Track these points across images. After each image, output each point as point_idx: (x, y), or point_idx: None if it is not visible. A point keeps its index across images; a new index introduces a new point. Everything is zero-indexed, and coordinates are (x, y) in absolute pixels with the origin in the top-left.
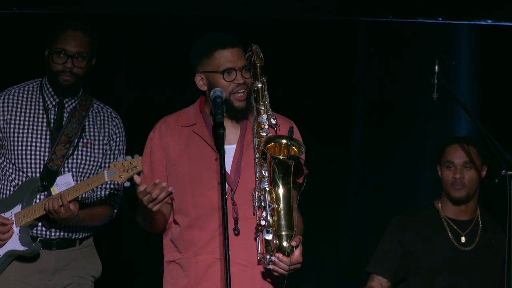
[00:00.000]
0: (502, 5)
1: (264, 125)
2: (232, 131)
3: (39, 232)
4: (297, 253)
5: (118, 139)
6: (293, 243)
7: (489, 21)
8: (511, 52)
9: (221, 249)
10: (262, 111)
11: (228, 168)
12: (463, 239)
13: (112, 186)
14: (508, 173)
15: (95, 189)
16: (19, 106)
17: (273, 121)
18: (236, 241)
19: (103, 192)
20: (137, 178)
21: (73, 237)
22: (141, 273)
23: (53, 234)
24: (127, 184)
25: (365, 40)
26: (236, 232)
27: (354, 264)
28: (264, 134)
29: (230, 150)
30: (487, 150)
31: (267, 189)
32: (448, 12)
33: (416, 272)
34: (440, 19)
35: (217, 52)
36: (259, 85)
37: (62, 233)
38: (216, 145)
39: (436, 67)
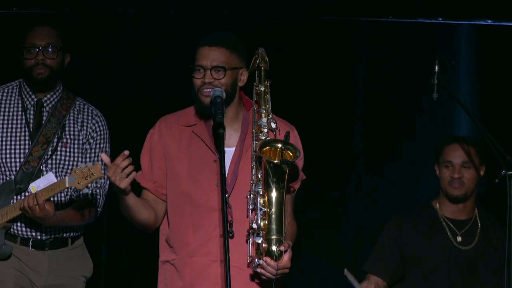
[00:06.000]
0: (502, 5)
1: (264, 129)
2: (232, 134)
3: (29, 233)
4: (286, 258)
5: (98, 137)
6: (282, 248)
7: (489, 21)
8: (511, 52)
9: (216, 251)
10: (263, 114)
11: (225, 170)
12: (459, 238)
13: (94, 185)
14: (508, 173)
15: (75, 189)
16: None
17: (273, 125)
18: (231, 244)
19: (84, 192)
20: (104, 157)
21: (64, 235)
22: (141, 273)
23: (44, 235)
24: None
25: (365, 40)
26: (231, 235)
27: (354, 264)
28: (263, 138)
29: (229, 152)
30: (485, 150)
31: (260, 192)
32: (448, 12)
33: (414, 271)
34: (440, 19)
35: (199, 49)
36: (262, 89)
37: (53, 234)
38: (216, 146)
39: (436, 67)
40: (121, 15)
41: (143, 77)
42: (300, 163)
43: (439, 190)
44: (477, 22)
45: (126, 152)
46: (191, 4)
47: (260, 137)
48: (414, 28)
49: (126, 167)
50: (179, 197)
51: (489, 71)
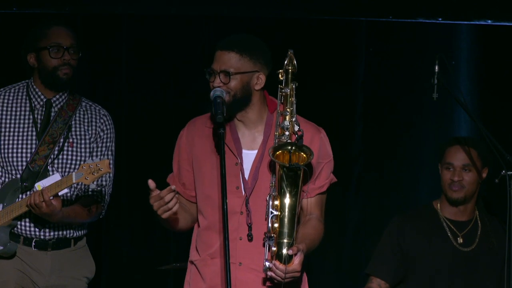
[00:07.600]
0: (502, 5)
1: (286, 131)
2: (256, 137)
3: (33, 233)
4: (296, 261)
5: (105, 136)
6: (290, 252)
7: (489, 21)
8: (511, 52)
9: (236, 253)
10: (287, 117)
11: (246, 173)
12: (460, 240)
13: (100, 183)
14: (508, 173)
15: (82, 186)
16: (5, 108)
17: (296, 128)
18: (250, 247)
19: (91, 189)
20: (151, 183)
21: (67, 236)
22: (141, 273)
23: (47, 234)
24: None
25: (365, 40)
26: (250, 238)
27: (354, 264)
28: (285, 141)
29: (251, 155)
30: (488, 152)
31: (273, 196)
32: (448, 12)
33: (415, 272)
34: (440, 19)
35: (215, 52)
36: (287, 91)
37: (56, 233)
38: (216, 147)
39: (436, 67)
40: (121, 15)
41: (143, 77)
42: (329, 165)
43: (440, 190)
44: (477, 22)
45: (173, 187)
46: (191, 4)
47: (282, 139)
48: (414, 28)
49: (170, 200)
50: (203, 199)
51: (489, 71)
